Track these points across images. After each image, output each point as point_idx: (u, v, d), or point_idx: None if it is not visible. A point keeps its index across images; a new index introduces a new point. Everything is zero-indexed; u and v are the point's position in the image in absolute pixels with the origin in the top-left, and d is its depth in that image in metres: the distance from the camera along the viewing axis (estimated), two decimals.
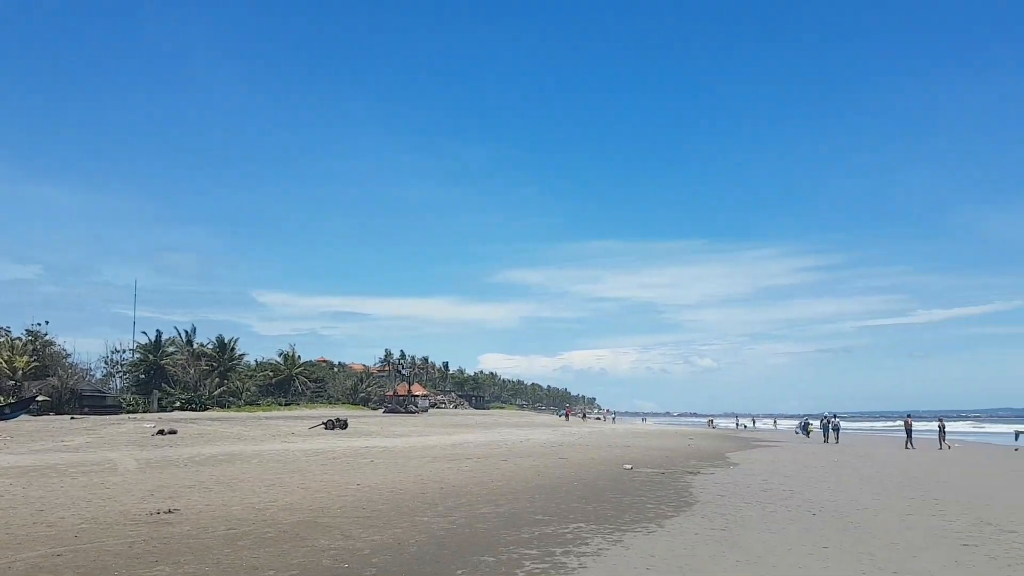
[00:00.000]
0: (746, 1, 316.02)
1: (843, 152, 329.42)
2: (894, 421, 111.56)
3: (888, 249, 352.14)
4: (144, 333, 72.71)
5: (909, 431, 43.58)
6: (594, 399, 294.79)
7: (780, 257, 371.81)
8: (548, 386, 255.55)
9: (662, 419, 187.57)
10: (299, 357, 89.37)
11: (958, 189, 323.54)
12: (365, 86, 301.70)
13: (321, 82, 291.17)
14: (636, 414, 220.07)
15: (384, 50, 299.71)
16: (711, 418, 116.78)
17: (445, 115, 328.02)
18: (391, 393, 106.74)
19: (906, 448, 40.05)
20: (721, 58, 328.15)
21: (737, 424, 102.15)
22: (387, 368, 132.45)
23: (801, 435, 59.48)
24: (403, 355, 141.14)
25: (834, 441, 47.20)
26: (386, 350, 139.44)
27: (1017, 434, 49.41)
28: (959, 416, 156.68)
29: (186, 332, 76.87)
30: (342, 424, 40.83)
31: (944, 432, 42.78)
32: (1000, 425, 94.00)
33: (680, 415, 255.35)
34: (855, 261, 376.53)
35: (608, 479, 19.96)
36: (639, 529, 11.96)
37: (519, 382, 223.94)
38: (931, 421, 46.02)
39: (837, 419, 51.90)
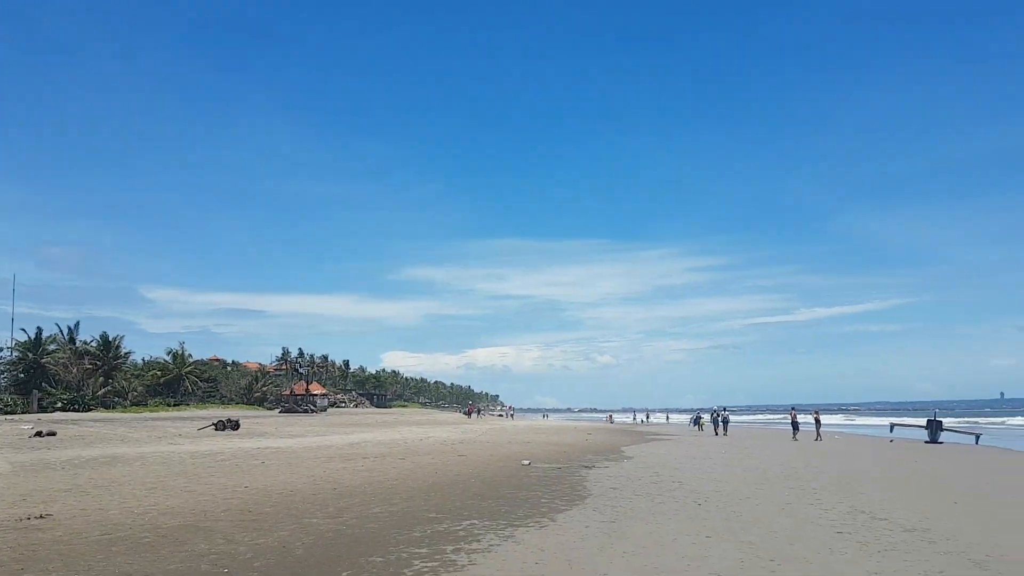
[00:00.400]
0: (648, 7, 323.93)
1: (733, 157, 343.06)
2: (780, 414, 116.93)
3: (773, 251, 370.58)
4: (23, 330, 69.44)
5: (795, 424, 45.76)
6: (497, 396, 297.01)
7: (675, 258, 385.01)
8: (452, 384, 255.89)
9: (563, 415, 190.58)
10: (190, 356, 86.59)
11: (840, 194, 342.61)
12: (263, 78, 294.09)
13: (215, 73, 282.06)
14: (538, 410, 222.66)
15: (284, 42, 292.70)
16: (610, 413, 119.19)
17: (347, 110, 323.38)
18: (288, 392, 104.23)
19: (794, 440, 41.90)
20: (618, 63, 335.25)
21: (634, 419, 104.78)
22: (284, 367, 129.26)
23: (694, 428, 61.60)
24: (301, 353, 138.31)
25: (723, 434, 48.95)
26: (283, 348, 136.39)
27: (892, 426, 52.50)
28: (838, 409, 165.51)
29: (69, 329, 73.90)
30: (233, 425, 39.61)
31: (819, 424, 45.06)
32: (874, 418, 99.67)
33: (581, 411, 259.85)
34: (743, 262, 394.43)
35: (505, 475, 20.04)
36: (531, 524, 12.05)
37: (422, 380, 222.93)
38: (810, 414, 48.45)
39: (727, 412, 54.25)
